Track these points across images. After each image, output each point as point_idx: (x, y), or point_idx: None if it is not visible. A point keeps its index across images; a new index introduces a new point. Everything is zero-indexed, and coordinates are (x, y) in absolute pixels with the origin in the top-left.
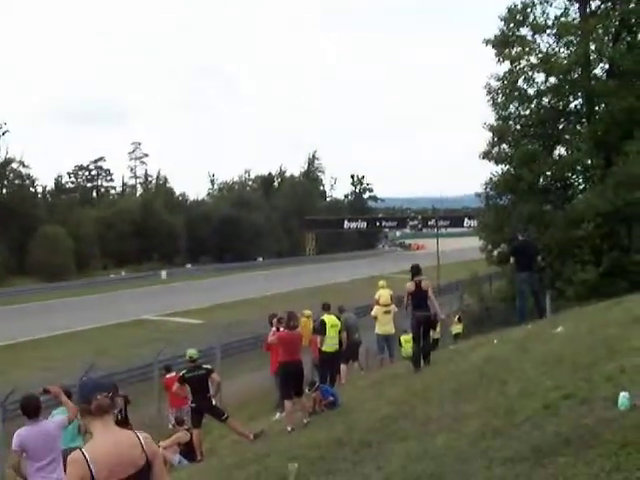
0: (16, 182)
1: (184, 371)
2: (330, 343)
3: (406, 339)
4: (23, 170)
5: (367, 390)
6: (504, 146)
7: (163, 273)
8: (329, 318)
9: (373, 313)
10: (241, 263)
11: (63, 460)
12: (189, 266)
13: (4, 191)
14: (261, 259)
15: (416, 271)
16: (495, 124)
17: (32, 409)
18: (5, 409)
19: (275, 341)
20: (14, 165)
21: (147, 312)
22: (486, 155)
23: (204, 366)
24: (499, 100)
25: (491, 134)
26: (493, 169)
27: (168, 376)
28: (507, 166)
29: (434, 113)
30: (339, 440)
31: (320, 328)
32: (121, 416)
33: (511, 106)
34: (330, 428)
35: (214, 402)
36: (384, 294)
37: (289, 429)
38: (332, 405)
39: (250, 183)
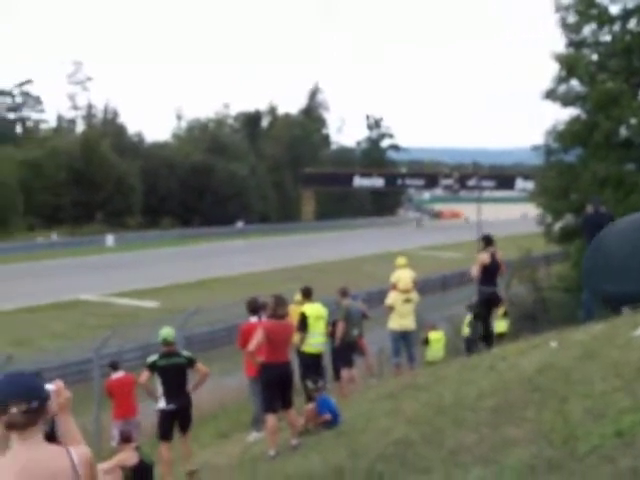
0: None
1: (155, 357)
2: (316, 343)
3: (436, 337)
4: None
5: (378, 404)
6: (575, 83)
7: (109, 239)
8: (312, 308)
9: (388, 302)
10: (214, 228)
11: None
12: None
13: None
14: (241, 224)
15: (488, 241)
16: (564, 52)
17: None
18: None
19: (260, 338)
20: None
21: (86, 290)
22: (550, 94)
23: (184, 353)
24: (570, 20)
25: (559, 66)
26: (559, 114)
27: (114, 376)
28: (578, 110)
29: (479, 35)
30: (339, 469)
31: (300, 323)
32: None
33: (586, 29)
34: (327, 453)
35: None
36: (404, 276)
37: (272, 454)
38: (330, 423)
39: (230, 122)
